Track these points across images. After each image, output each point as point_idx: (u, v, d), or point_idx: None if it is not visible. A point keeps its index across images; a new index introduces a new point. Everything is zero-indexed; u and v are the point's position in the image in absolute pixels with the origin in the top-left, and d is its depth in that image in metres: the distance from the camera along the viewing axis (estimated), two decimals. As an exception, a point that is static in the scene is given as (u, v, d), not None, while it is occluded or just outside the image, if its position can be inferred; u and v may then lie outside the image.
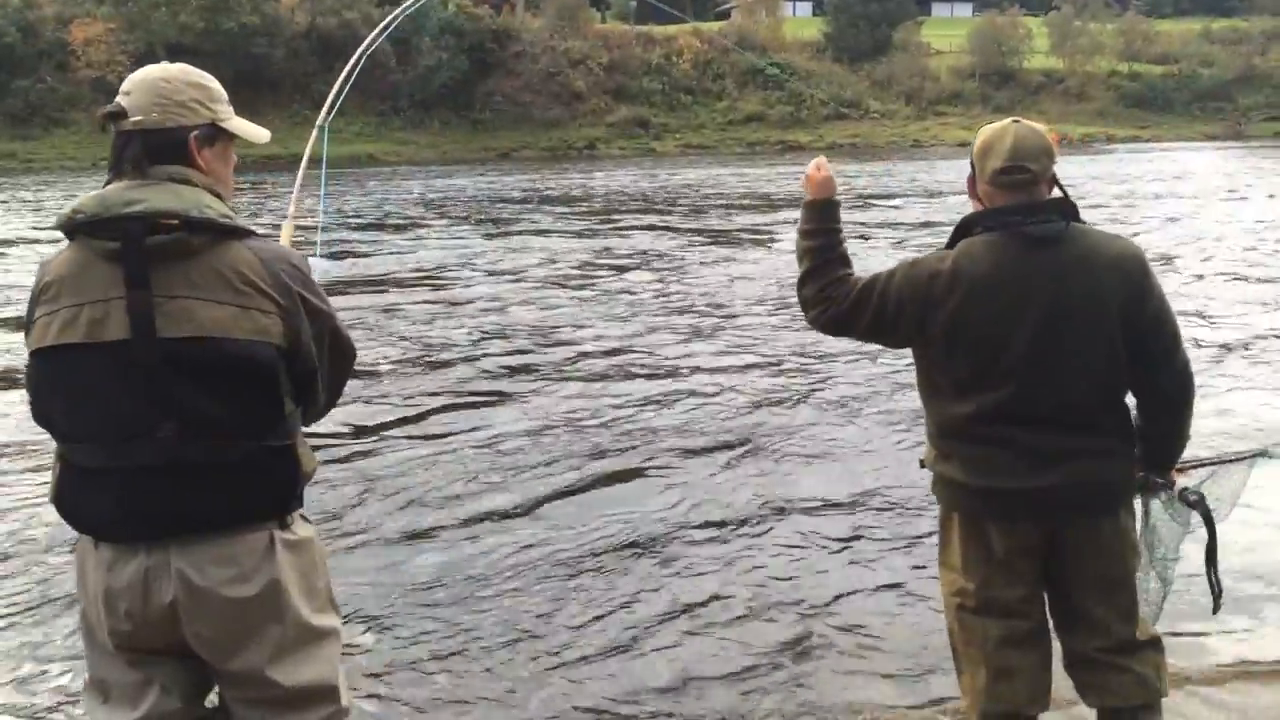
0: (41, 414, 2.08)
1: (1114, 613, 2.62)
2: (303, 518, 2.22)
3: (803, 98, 52.44)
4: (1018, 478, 2.52)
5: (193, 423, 2.00)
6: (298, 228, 6.18)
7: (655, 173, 33.49)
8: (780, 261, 13.04)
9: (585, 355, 8.55)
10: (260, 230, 2.08)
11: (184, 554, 2.03)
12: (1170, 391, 2.59)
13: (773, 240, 15.81)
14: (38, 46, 43.51)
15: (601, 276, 12.78)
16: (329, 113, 3.31)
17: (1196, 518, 2.70)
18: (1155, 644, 2.68)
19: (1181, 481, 2.73)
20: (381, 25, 3.82)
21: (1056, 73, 56.51)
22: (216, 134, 2.14)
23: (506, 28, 53.85)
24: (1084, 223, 2.59)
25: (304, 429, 2.23)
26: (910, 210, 20.32)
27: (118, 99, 2.12)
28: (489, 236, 17.23)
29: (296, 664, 2.13)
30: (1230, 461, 2.83)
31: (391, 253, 15.66)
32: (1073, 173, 28.89)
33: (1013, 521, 2.58)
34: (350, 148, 47.32)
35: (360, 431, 6.44)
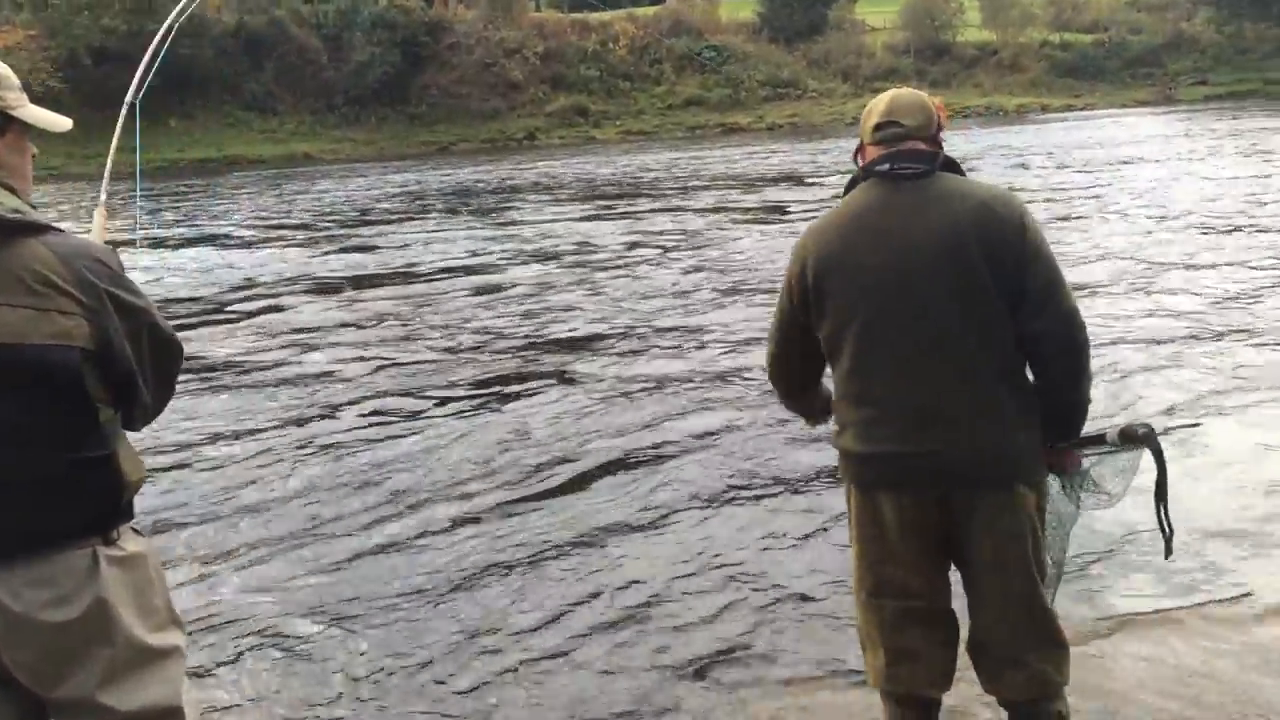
0: None
1: (1011, 596, 2.48)
2: (134, 530, 2.08)
3: (740, 80, 52.48)
4: (899, 441, 2.44)
5: (8, 433, 1.87)
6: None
7: (613, 158, 33.34)
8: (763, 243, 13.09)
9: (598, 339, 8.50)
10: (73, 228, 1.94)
11: None
12: (1049, 341, 2.44)
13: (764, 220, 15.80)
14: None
15: (599, 261, 12.68)
16: (138, 90, 3.18)
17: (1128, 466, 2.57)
18: (1057, 635, 2.54)
19: (1087, 463, 2.60)
20: (181, 5, 3.66)
21: (990, 45, 57.06)
22: (7, 123, 1.99)
23: (439, 20, 53.19)
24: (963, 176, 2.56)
25: (131, 434, 2.09)
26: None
27: None
28: (470, 227, 17.12)
29: (132, 687, 2.00)
30: (1121, 450, 2.59)
31: (367, 249, 15.36)
32: (1009, 142, 29.31)
33: (898, 491, 2.48)
34: (286, 147, 46.52)
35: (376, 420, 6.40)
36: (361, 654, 3.77)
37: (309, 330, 9.68)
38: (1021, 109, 49.66)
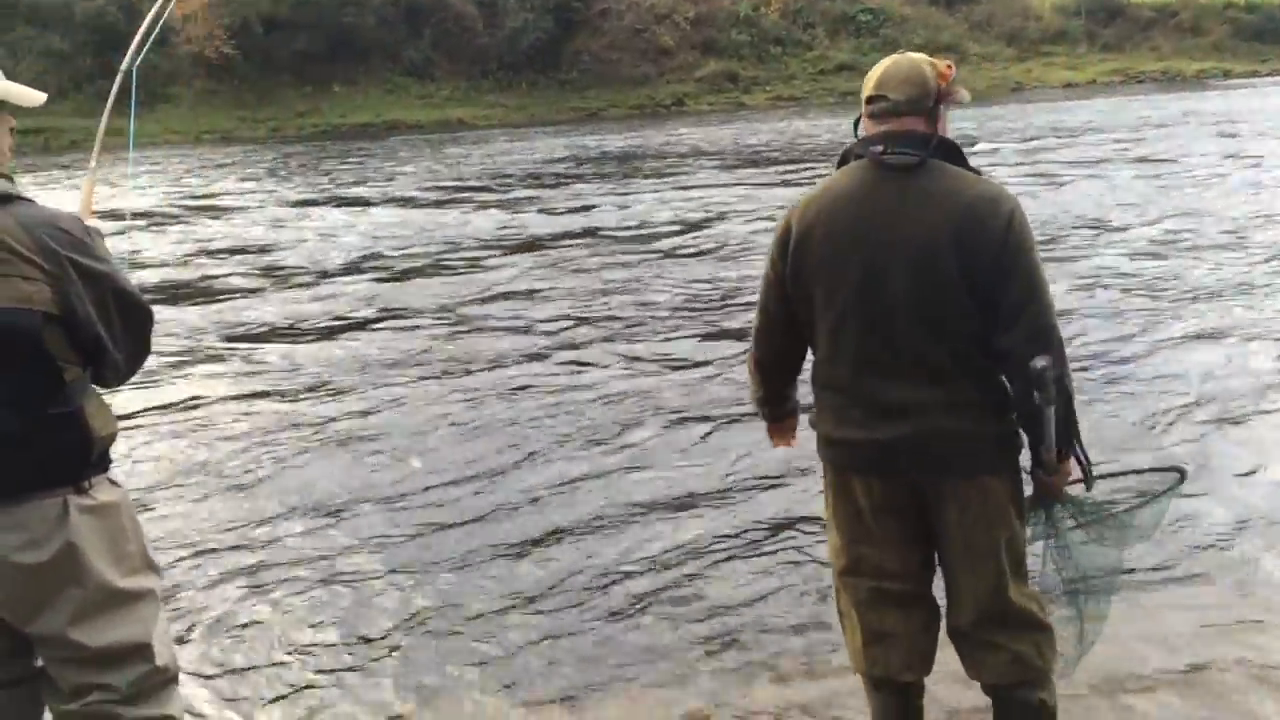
0: None
1: (982, 585, 2.47)
2: (110, 481, 2.24)
3: (897, 44, 50.97)
4: (864, 428, 2.44)
5: None
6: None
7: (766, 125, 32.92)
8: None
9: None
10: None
11: None
12: (1019, 356, 2.30)
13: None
14: (138, 24, 44.58)
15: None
16: (136, 55, 3.24)
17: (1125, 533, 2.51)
18: (1033, 619, 2.48)
19: (1078, 493, 2.51)
20: None
21: (1169, 6, 53.67)
22: None
23: (592, -14, 53.35)
24: (969, 167, 2.41)
25: (103, 390, 2.22)
26: (999, 155, 19.46)
27: None
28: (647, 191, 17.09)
29: (102, 626, 2.17)
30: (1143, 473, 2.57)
31: (550, 210, 15.62)
32: (1199, 108, 27.55)
33: (866, 476, 2.49)
34: (442, 112, 47.70)
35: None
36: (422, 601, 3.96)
37: (507, 286, 10.11)
38: (1201, 74, 46.61)
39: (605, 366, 7.14)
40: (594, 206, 15.54)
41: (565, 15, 51.10)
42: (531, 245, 12.53)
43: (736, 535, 4.45)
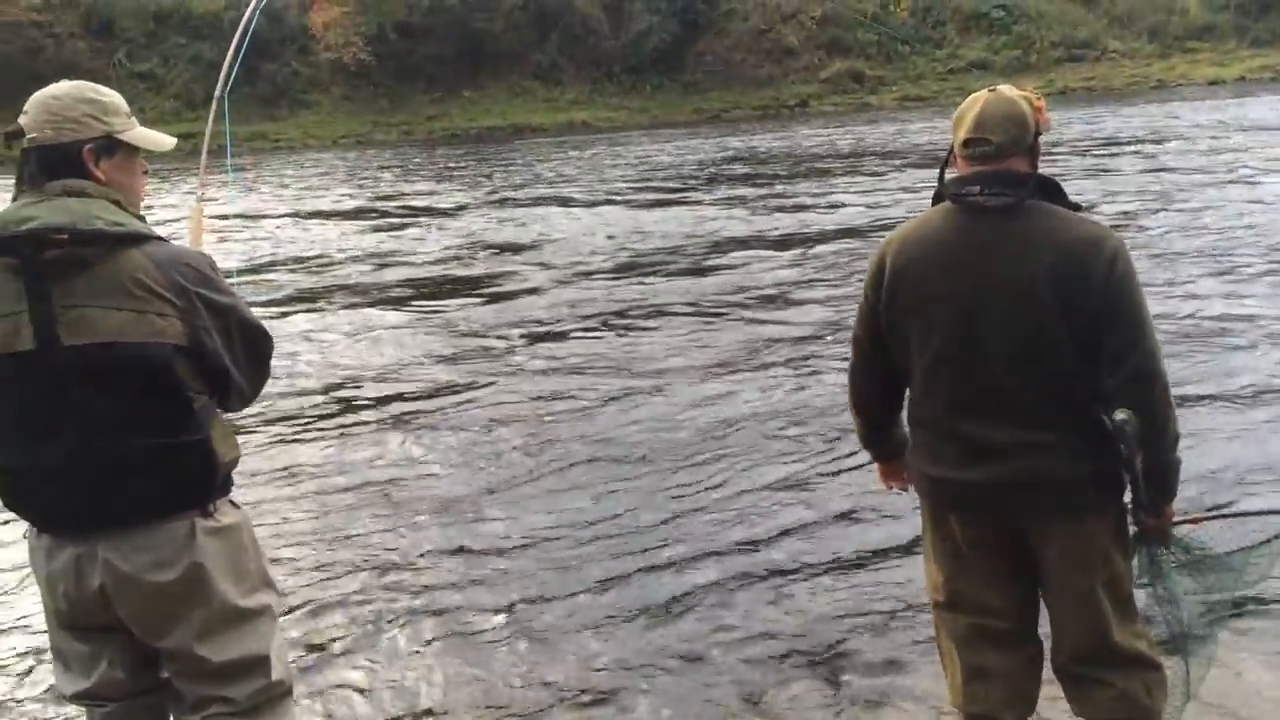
0: None
1: (1083, 624, 2.44)
2: (231, 503, 2.36)
3: (1032, 41, 49.37)
4: (958, 468, 2.43)
5: (99, 424, 2.14)
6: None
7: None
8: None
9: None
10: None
11: (109, 543, 2.20)
12: (1120, 400, 2.26)
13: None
14: (282, 32, 46.51)
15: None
16: (225, 84, 3.26)
17: (1240, 573, 2.43)
18: (1141, 658, 2.41)
19: (1185, 531, 2.45)
20: None
21: (1328, -3, 50.60)
22: (115, 145, 2.21)
23: (717, -13, 53.27)
24: (1071, 205, 2.36)
25: (229, 415, 2.36)
26: (1137, 160, 18.60)
27: (19, 119, 2.19)
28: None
29: (225, 642, 2.30)
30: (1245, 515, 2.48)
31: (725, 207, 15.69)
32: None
33: (962, 513, 2.49)
34: (566, 115, 48.30)
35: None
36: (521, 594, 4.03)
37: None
38: (1364, 69, 43.71)
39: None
40: (812, 206, 15.27)
41: (690, 17, 51.15)
42: (789, 243, 12.44)
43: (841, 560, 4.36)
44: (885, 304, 2.48)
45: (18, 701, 3.50)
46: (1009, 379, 2.34)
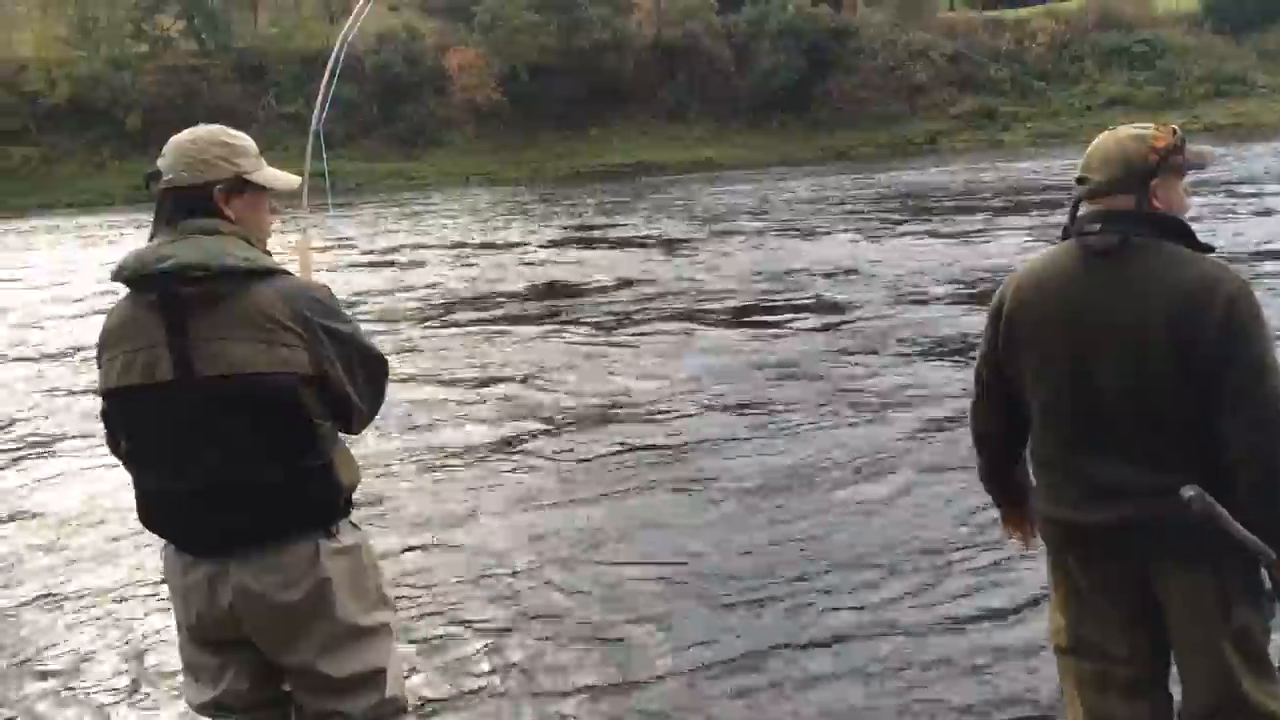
0: (113, 445, 2.39)
1: (1210, 677, 2.31)
2: (351, 524, 2.43)
3: (1176, 76, 47.64)
4: (1078, 509, 2.35)
5: (232, 450, 2.24)
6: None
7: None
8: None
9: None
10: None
11: (240, 563, 2.30)
12: (1235, 444, 2.18)
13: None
14: (419, 74, 48.37)
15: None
16: (319, 118, 3.29)
17: None
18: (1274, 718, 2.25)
19: None
20: (347, 27, 3.72)
21: None
22: (244, 185, 2.31)
23: (845, 24, 53.17)
24: (1201, 246, 2.27)
25: (351, 439, 2.44)
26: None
27: (158, 161, 2.31)
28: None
29: (345, 658, 2.38)
30: None
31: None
32: None
33: (1083, 556, 2.41)
34: (692, 153, 48.73)
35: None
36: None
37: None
38: None
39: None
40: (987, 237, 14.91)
41: (817, 55, 51.13)
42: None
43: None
44: (1003, 341, 2.46)
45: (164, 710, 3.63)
46: (1123, 419, 2.28)
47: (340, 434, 2.43)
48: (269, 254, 2.37)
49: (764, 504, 5.27)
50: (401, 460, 6.28)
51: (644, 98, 52.15)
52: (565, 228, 21.29)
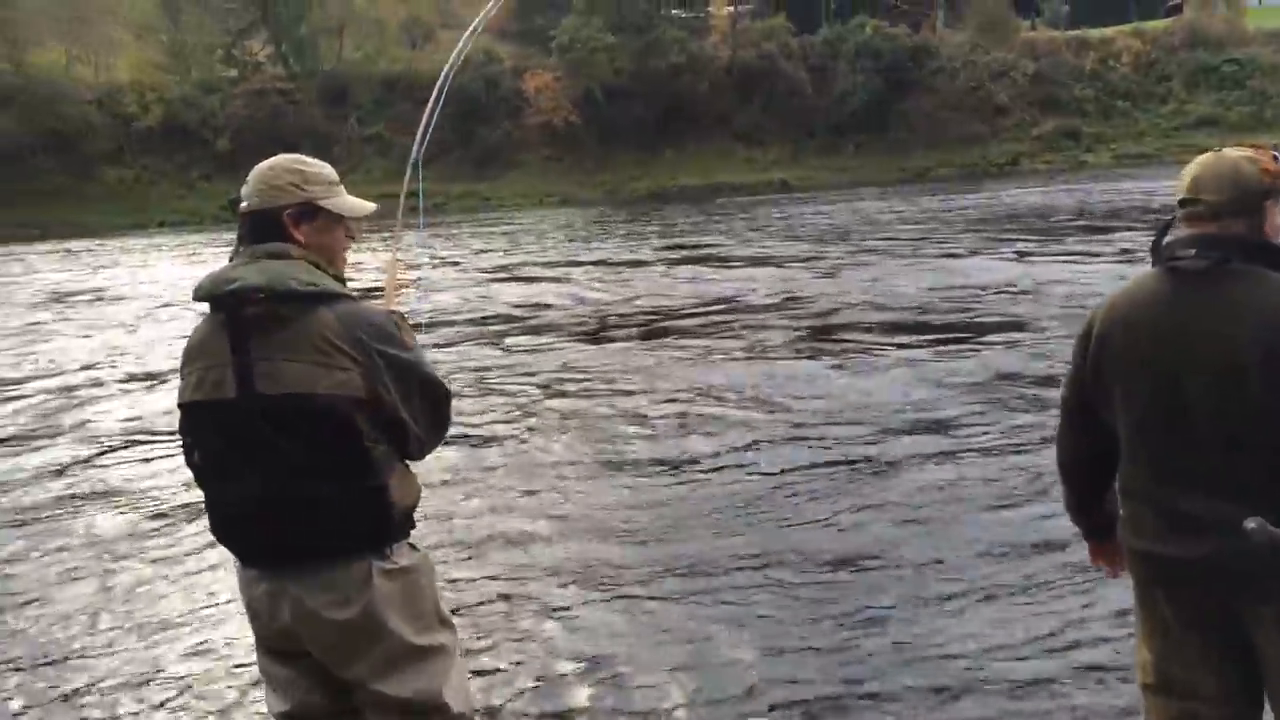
0: (188, 457, 2.45)
1: None
2: (410, 545, 2.47)
3: (1269, 96, 46.21)
4: (1163, 542, 2.30)
5: (287, 468, 2.30)
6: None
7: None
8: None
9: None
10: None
11: (296, 581, 2.36)
12: None
13: None
14: (497, 96, 49.09)
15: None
16: (420, 147, 3.29)
17: None
18: None
19: None
20: (456, 52, 3.71)
21: None
22: (315, 211, 2.38)
23: (924, 45, 52.64)
24: None
25: (410, 463, 2.46)
26: None
27: (242, 188, 2.39)
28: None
29: (399, 679, 2.41)
30: None
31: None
32: None
33: (1170, 589, 2.34)
34: (766, 175, 48.65)
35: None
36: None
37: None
38: None
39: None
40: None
41: (895, 76, 50.69)
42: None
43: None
44: (1091, 369, 2.40)
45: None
46: (1214, 451, 2.22)
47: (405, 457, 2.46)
48: (342, 278, 2.43)
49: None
50: (575, 473, 6.40)
51: (718, 119, 52.19)
52: (672, 246, 21.30)
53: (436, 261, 20.18)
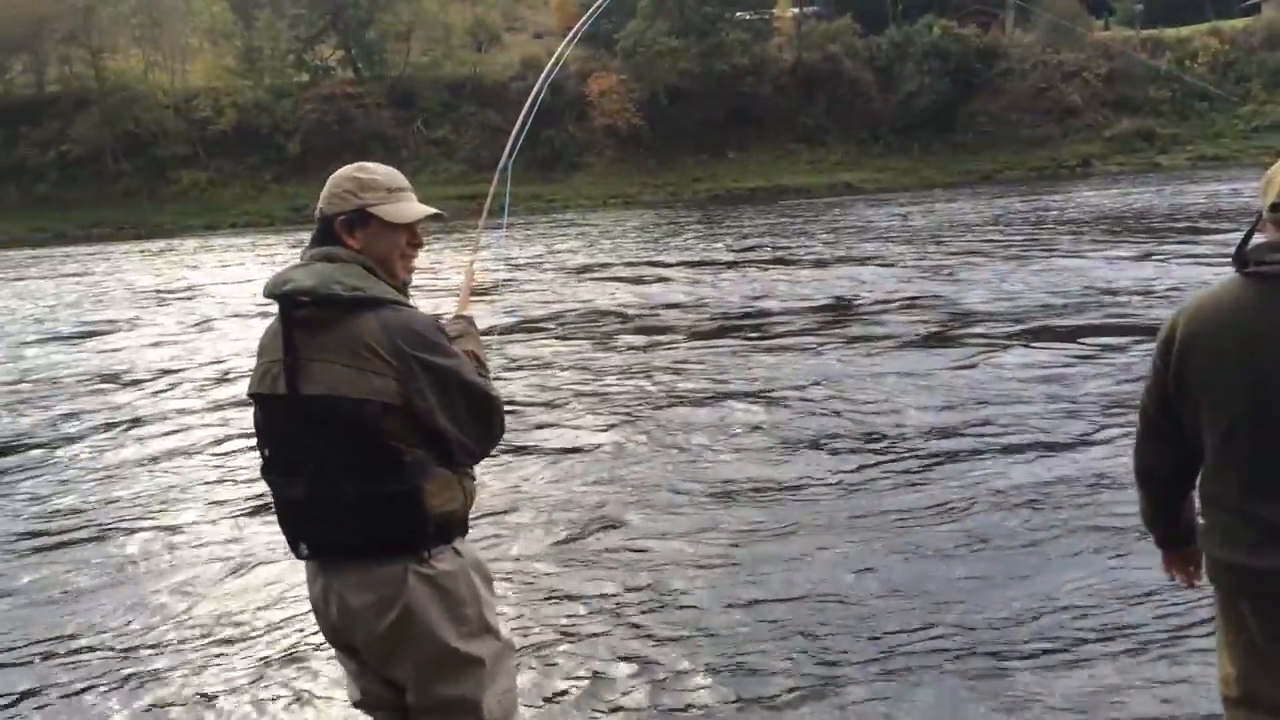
0: (259, 450, 2.50)
1: None
2: (455, 551, 2.46)
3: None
4: (1251, 554, 2.22)
5: (325, 467, 2.35)
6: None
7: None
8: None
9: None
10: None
11: (340, 578, 2.42)
12: None
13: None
14: (562, 100, 49.40)
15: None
16: (510, 154, 3.26)
17: None
18: None
19: None
20: (556, 56, 3.69)
21: None
22: (368, 218, 2.42)
23: (994, 45, 51.90)
24: None
25: (462, 469, 2.46)
26: None
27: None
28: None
29: (437, 683, 2.44)
30: None
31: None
32: None
33: (1258, 603, 2.26)
34: (829, 177, 48.33)
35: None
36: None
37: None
38: None
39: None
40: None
41: (963, 76, 50.05)
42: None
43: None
44: (1174, 376, 2.33)
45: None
46: None
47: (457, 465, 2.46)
48: (401, 283, 2.47)
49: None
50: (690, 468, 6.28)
51: (781, 121, 51.98)
52: (755, 247, 20.98)
53: (520, 261, 20.19)
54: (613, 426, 7.36)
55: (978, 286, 13.39)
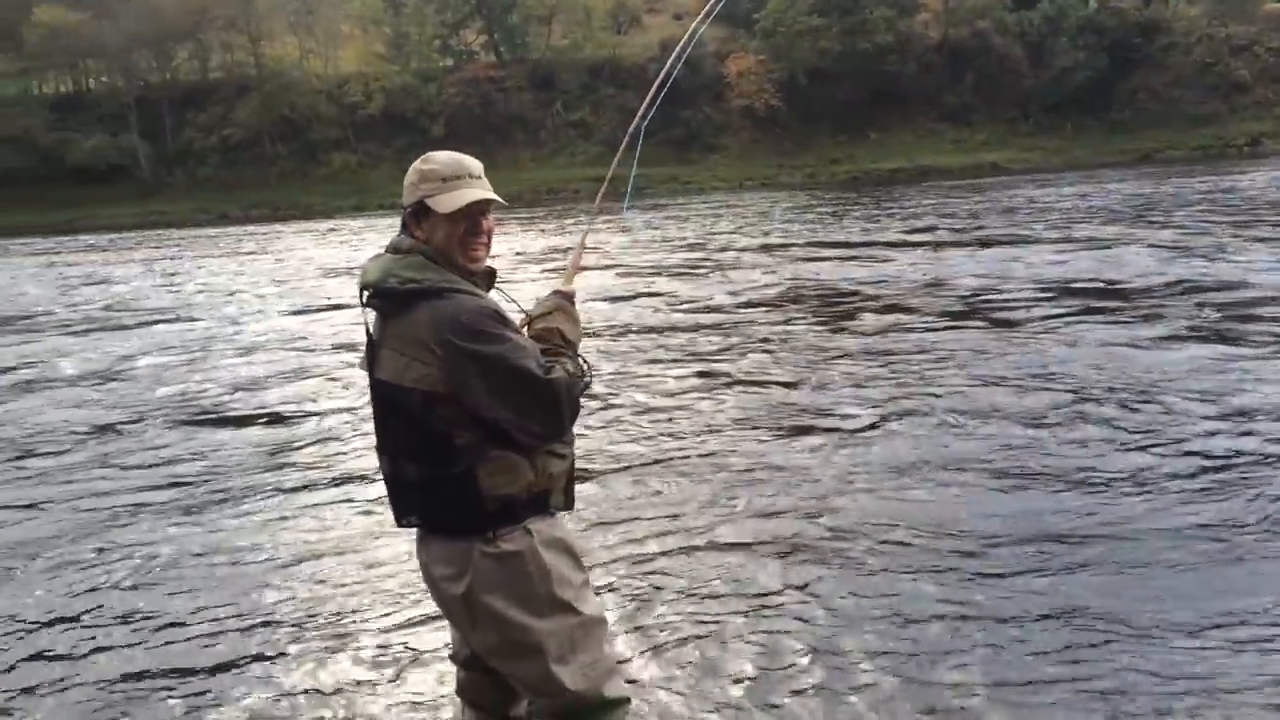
0: None
1: None
2: (526, 531, 2.50)
3: None
4: None
5: (396, 446, 2.51)
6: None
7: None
8: None
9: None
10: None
11: (427, 549, 2.56)
12: None
13: None
14: (699, 81, 49.18)
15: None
16: (642, 122, 3.08)
17: None
18: None
19: None
20: (690, 32, 3.46)
21: None
22: (426, 210, 2.50)
23: (1155, 19, 49.19)
24: None
25: (538, 450, 2.50)
26: None
27: None
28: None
29: (507, 657, 2.54)
30: None
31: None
32: None
33: None
34: (974, 157, 46.74)
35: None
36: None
37: None
38: None
39: None
40: None
41: (1121, 52, 47.62)
42: None
43: None
44: None
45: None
46: None
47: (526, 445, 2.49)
48: (467, 270, 2.50)
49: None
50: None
51: (926, 100, 50.56)
52: (925, 228, 19.63)
53: (689, 240, 19.64)
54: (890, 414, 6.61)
55: (1202, 265, 11.94)
